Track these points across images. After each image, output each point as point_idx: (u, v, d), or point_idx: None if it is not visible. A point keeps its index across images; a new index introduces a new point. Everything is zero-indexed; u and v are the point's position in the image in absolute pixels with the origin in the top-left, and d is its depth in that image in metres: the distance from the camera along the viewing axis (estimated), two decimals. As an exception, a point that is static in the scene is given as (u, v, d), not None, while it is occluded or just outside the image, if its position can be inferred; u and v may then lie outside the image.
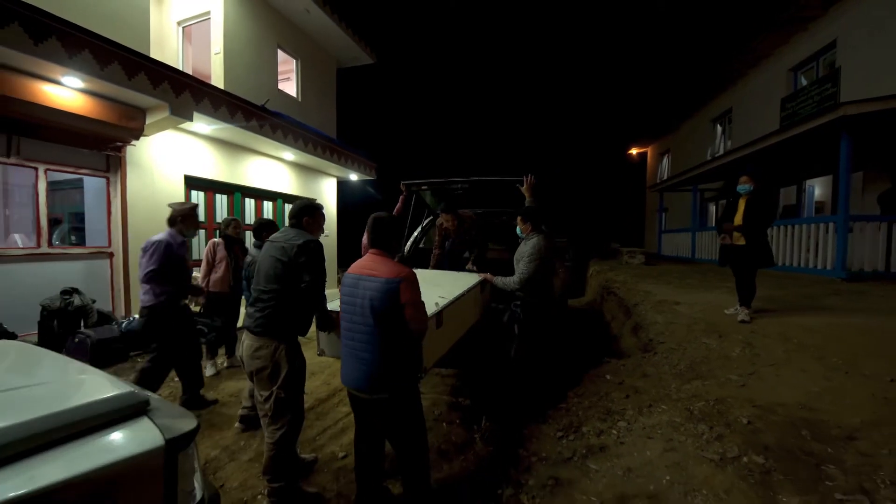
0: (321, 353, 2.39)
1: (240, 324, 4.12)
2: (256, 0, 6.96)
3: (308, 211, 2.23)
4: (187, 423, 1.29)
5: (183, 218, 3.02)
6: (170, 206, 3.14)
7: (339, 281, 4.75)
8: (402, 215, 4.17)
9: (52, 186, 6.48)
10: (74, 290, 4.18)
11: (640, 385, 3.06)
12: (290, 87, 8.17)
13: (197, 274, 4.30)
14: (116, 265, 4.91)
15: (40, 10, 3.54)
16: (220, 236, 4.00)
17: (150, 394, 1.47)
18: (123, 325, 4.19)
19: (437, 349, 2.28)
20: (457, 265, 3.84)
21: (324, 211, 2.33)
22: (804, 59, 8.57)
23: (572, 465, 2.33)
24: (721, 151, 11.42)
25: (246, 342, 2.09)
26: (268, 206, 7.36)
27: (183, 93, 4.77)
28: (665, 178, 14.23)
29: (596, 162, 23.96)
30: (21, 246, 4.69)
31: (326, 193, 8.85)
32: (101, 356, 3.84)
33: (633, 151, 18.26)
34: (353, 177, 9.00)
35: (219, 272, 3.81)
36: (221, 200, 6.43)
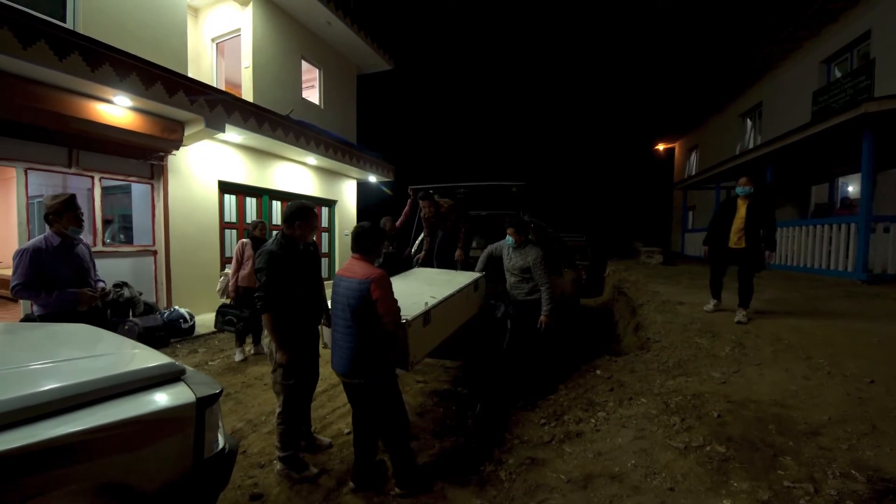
0: (325, 346, 2.70)
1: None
2: (282, 15, 7.44)
3: (300, 214, 2.30)
4: (214, 387, 1.64)
5: (54, 214, 2.46)
6: (44, 201, 2.55)
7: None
8: (409, 218, 4.46)
9: (110, 191, 7.25)
10: (125, 284, 4.75)
11: (626, 380, 3.22)
12: (313, 94, 8.66)
13: (100, 284, 2.90)
14: (159, 262, 5.49)
15: (96, 40, 4.08)
16: (248, 237, 4.43)
17: (185, 366, 1.86)
18: (165, 315, 4.73)
19: (425, 344, 2.49)
20: (448, 259, 4.07)
21: (315, 211, 2.39)
22: (837, 51, 8.19)
23: (549, 447, 2.55)
24: (751, 147, 11.03)
25: None
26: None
27: (216, 107, 5.27)
28: (693, 174, 13.83)
29: (621, 158, 23.46)
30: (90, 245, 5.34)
31: (347, 194, 9.31)
32: (147, 342, 4.33)
33: (660, 147, 17.79)
34: (372, 178, 9.40)
35: (246, 269, 4.24)
36: (251, 203, 6.97)
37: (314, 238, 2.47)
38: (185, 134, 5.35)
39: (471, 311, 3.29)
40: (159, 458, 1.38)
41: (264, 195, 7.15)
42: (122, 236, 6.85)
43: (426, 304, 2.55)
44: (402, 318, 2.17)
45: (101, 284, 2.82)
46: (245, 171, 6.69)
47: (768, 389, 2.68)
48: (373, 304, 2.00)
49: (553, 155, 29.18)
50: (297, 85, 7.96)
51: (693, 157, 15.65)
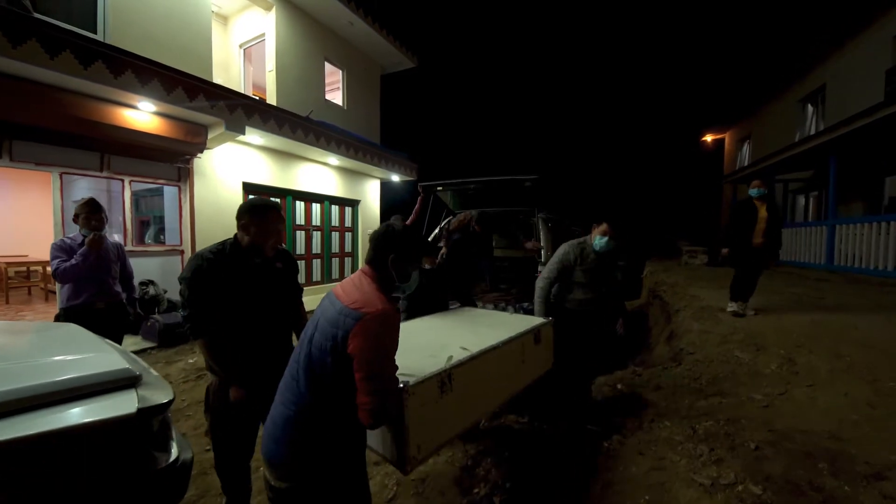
0: None
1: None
2: (304, 18, 7.53)
3: (250, 212, 1.68)
4: (164, 396, 1.55)
5: (76, 217, 2.75)
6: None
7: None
8: (420, 217, 4.30)
9: (146, 193, 7.68)
10: (150, 282, 4.95)
11: (650, 397, 2.86)
12: (337, 95, 8.72)
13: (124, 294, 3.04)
14: (186, 261, 5.69)
15: (119, 48, 4.24)
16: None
17: (149, 372, 1.79)
18: (186, 313, 4.88)
19: (440, 427, 1.50)
20: (469, 275, 3.73)
21: (275, 210, 1.73)
22: (918, 21, 7.11)
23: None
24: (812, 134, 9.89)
25: None
26: (316, 208, 7.96)
27: (236, 110, 5.37)
28: (744, 166, 12.67)
29: (665, 151, 22.08)
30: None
31: (370, 194, 9.31)
32: (168, 338, 4.51)
33: (709, 138, 16.48)
34: (395, 178, 9.35)
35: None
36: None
37: (278, 245, 1.80)
38: (209, 137, 5.49)
39: (528, 374, 2.14)
40: (95, 472, 1.30)
41: (287, 196, 7.26)
42: (161, 237, 7.23)
43: (449, 358, 1.62)
44: (402, 380, 1.33)
45: (126, 293, 2.93)
46: (268, 173, 6.82)
47: (821, 418, 2.26)
48: (346, 363, 1.12)
49: (591, 149, 28.01)
50: (321, 86, 8.03)
51: (745, 147, 14.37)
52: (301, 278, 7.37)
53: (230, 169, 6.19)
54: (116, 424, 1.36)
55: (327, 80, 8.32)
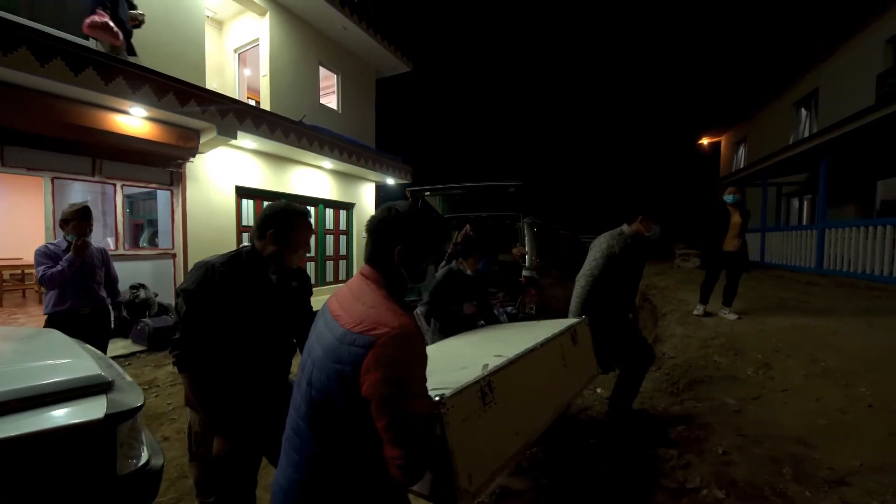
0: None
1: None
2: (298, 23, 7.59)
3: (277, 220, 1.40)
4: (133, 401, 1.59)
5: (63, 222, 2.69)
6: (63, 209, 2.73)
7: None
8: None
9: (141, 196, 7.73)
10: (141, 286, 4.99)
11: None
12: (331, 99, 8.78)
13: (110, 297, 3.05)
14: (178, 265, 5.73)
15: (109, 55, 4.30)
16: (250, 241, 4.49)
17: (122, 377, 1.83)
18: (176, 317, 4.92)
19: (490, 449, 1.23)
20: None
21: (305, 218, 1.45)
22: (909, 26, 7.15)
23: (521, 478, 2.30)
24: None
25: None
26: (311, 212, 8.01)
27: (227, 115, 5.42)
28: (739, 169, 12.71)
29: (661, 154, 22.13)
30: (113, 248, 5.69)
31: (365, 197, 9.36)
32: (158, 342, 4.54)
33: (705, 141, 16.52)
34: (390, 181, 9.40)
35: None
36: (268, 207, 7.16)
37: (298, 264, 1.50)
38: (201, 142, 5.54)
39: (573, 381, 1.92)
40: (61, 476, 1.33)
41: (281, 199, 7.31)
42: (156, 240, 7.28)
43: (485, 366, 1.39)
44: (436, 394, 1.06)
45: (111, 298, 2.94)
46: (262, 177, 6.86)
47: (792, 423, 2.29)
48: (360, 406, 0.82)
49: (584, 152, 28.07)
50: (315, 91, 8.09)
51: (741, 151, 14.41)
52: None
53: (223, 173, 6.23)
54: (83, 429, 1.40)
55: (322, 84, 8.37)
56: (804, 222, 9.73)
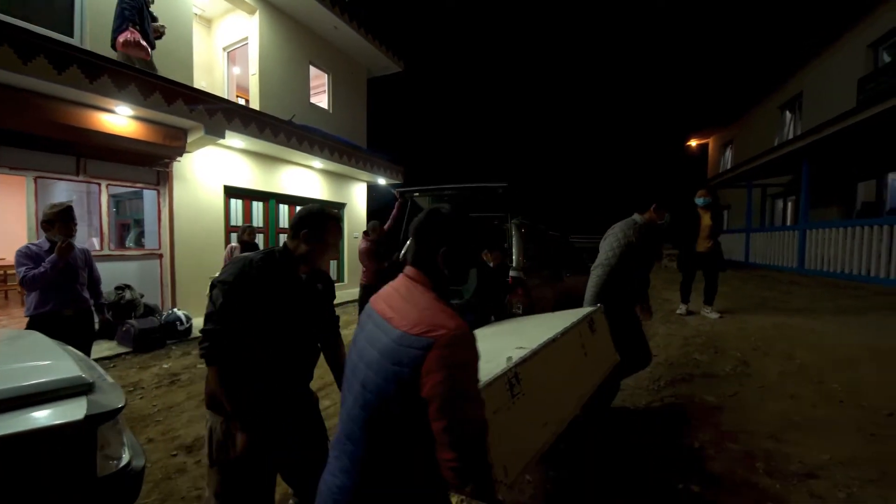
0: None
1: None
2: (288, 22, 7.56)
3: (312, 221, 1.43)
4: (114, 402, 1.60)
5: (47, 223, 2.67)
6: (44, 209, 2.71)
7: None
8: (397, 222, 4.36)
9: (128, 196, 7.63)
10: (126, 286, 4.94)
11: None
12: (322, 99, 8.75)
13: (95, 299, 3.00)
14: (165, 265, 5.68)
15: (94, 53, 4.25)
16: (238, 241, 4.47)
17: (104, 379, 1.83)
18: (163, 317, 4.87)
19: (521, 440, 1.26)
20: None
21: (336, 221, 1.49)
22: (887, 32, 7.34)
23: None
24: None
25: None
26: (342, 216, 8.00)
27: (216, 114, 5.38)
28: (726, 170, 12.93)
29: (651, 156, 22.40)
30: (98, 248, 5.62)
31: (357, 197, 9.35)
32: (143, 343, 4.50)
33: (693, 143, 16.76)
34: (382, 181, 9.39)
35: (233, 274, 4.28)
36: (258, 207, 7.11)
37: (326, 265, 1.54)
38: (188, 141, 5.50)
39: (595, 370, 1.91)
40: (42, 476, 1.34)
41: (271, 199, 7.28)
42: (143, 240, 7.20)
43: (509, 359, 1.39)
44: None
45: (94, 300, 2.90)
46: (251, 176, 6.83)
47: (766, 418, 2.35)
48: (419, 407, 0.83)
49: (575, 153, 28.32)
50: (305, 90, 8.06)
51: (728, 152, 14.64)
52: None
53: (211, 172, 6.19)
54: (63, 431, 1.40)
55: (312, 84, 8.35)
56: (788, 223, 9.93)
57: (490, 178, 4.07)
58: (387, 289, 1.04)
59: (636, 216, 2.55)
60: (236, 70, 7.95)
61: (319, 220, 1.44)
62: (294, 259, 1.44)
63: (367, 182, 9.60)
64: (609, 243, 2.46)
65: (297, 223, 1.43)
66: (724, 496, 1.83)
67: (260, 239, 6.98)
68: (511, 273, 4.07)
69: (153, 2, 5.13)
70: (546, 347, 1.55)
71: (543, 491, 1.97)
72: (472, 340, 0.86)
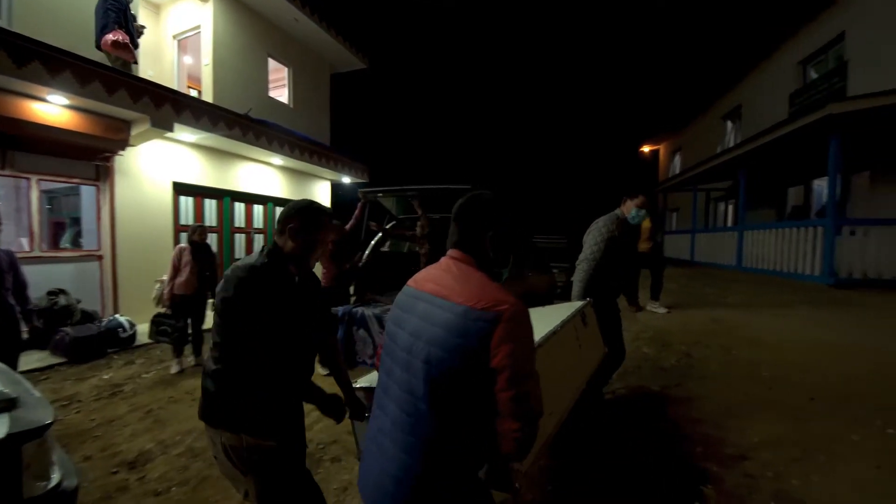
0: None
1: (206, 325, 4.36)
2: (245, 11, 7.23)
3: (301, 215, 1.37)
4: (41, 418, 1.48)
5: None
6: None
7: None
8: (360, 222, 4.29)
9: (64, 192, 6.99)
10: (61, 291, 4.53)
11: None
12: (282, 93, 8.45)
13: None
14: (105, 267, 5.26)
15: (23, 36, 3.86)
16: (188, 242, 4.22)
17: (30, 393, 1.68)
18: (103, 323, 4.51)
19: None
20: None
21: (326, 215, 1.45)
22: (813, 52, 8.13)
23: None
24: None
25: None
26: (258, 210, 7.66)
27: (163, 105, 5.05)
28: (675, 175, 13.80)
29: (609, 160, 23.47)
30: (27, 250, 5.10)
31: (320, 196, 9.11)
32: (79, 353, 4.14)
33: (646, 149, 17.74)
34: (346, 179, 9.21)
35: (183, 276, 4.03)
36: (210, 205, 6.75)
37: (315, 262, 1.49)
38: (133, 133, 5.13)
39: (588, 362, 1.99)
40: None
41: (225, 197, 6.93)
42: (81, 241, 6.62)
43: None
44: None
45: (20, 306, 2.66)
46: (203, 172, 6.47)
47: (705, 406, 2.54)
48: (488, 376, 0.85)
49: (538, 155, 29.17)
50: (263, 84, 7.75)
51: (677, 158, 15.62)
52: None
53: (158, 168, 5.80)
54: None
55: (271, 77, 8.04)
56: (728, 224, 10.75)
57: (456, 179, 4.11)
58: (430, 271, 1.06)
59: (617, 210, 2.63)
60: (188, 59, 7.50)
61: (308, 214, 1.38)
62: (284, 257, 1.37)
63: (332, 181, 9.38)
64: (593, 237, 2.53)
65: (284, 218, 1.38)
66: (667, 480, 1.96)
67: (213, 239, 6.63)
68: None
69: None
70: (549, 340, 1.61)
71: (544, 478, 2.02)
72: (529, 316, 0.91)
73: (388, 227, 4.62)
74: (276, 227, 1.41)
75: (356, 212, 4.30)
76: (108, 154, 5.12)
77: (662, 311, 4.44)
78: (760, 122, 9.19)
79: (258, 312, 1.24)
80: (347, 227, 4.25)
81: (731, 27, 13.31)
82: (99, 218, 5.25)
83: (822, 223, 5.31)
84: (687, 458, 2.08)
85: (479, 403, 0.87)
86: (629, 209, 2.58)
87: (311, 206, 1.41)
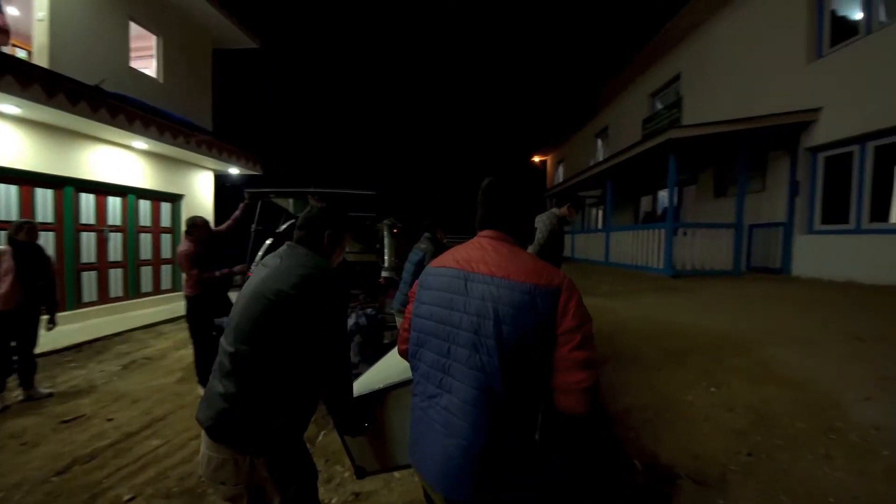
0: (361, 474, 1.56)
1: (39, 349, 3.47)
2: (95, -39, 5.96)
3: (330, 222, 1.39)
4: None
5: None
6: None
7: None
8: (238, 225, 3.84)
9: None
10: None
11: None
12: (149, 65, 7.18)
13: None
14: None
15: None
16: (7, 243, 3.32)
17: None
18: None
19: None
20: None
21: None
22: (660, 87, 9.97)
23: (378, 477, 2.36)
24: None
25: (202, 449, 1.25)
26: (114, 203, 6.37)
27: (-33, 63, 3.87)
28: (559, 184, 15.61)
29: (506, 166, 25.46)
30: None
31: (200, 187, 7.98)
32: None
33: (537, 159, 19.67)
34: (234, 171, 8.25)
35: (3, 287, 3.15)
36: (45, 196, 5.38)
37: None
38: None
39: None
40: None
41: (67, 186, 5.61)
42: None
43: None
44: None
45: None
46: (34, 155, 5.12)
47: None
48: (552, 342, 0.94)
49: (443, 161, 30.22)
50: (123, 51, 6.47)
51: (561, 168, 17.67)
52: (92, 294, 5.80)
53: (-40, 144, 4.43)
54: None
55: (134, 45, 6.76)
56: (599, 227, 12.57)
57: (362, 177, 4.02)
58: (466, 251, 1.10)
59: (555, 209, 3.30)
60: (12, 11, 5.86)
61: (341, 220, 1.43)
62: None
63: (216, 171, 8.29)
64: (540, 228, 3.16)
65: (326, 223, 1.39)
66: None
67: (50, 238, 5.32)
68: (383, 273, 4.09)
69: None
70: None
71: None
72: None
73: (283, 228, 4.28)
74: (300, 230, 1.39)
75: (237, 212, 3.84)
76: None
77: None
78: (622, 142, 10.96)
79: (342, 315, 1.32)
80: (223, 227, 3.77)
81: (603, 57, 15.52)
82: None
83: (664, 226, 6.57)
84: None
85: (543, 370, 0.96)
86: (564, 211, 3.32)
87: (340, 212, 1.48)
